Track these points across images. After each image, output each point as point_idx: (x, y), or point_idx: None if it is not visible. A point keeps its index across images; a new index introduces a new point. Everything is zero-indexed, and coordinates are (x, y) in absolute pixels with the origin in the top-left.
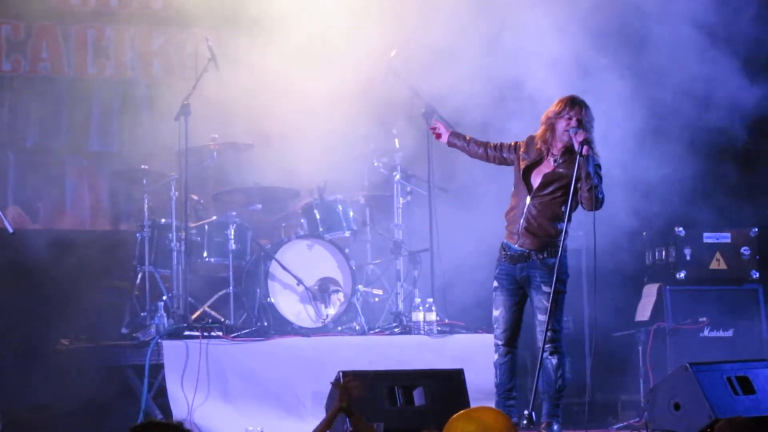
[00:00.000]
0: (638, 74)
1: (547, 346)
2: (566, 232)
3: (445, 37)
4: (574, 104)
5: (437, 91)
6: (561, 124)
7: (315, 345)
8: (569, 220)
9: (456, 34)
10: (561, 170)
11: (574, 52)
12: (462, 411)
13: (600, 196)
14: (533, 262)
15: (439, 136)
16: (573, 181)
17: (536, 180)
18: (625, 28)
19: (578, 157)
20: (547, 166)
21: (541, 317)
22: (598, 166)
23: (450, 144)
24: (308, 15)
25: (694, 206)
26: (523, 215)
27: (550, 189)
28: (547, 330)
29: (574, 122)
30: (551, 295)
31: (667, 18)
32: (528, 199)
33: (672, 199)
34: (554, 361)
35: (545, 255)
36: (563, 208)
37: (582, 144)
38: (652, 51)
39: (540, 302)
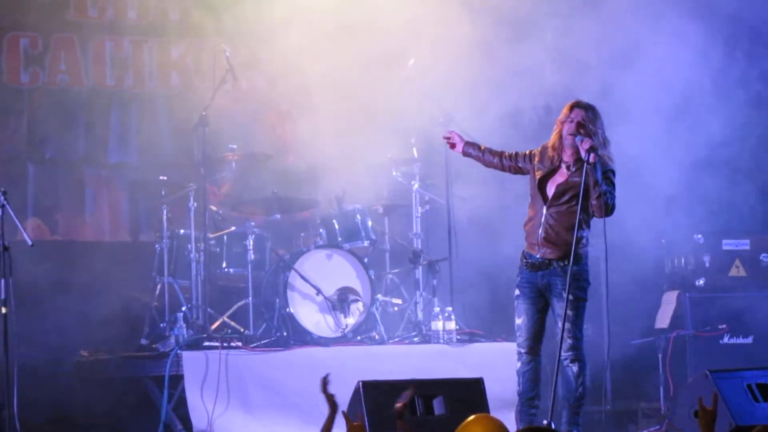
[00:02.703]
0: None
1: (567, 353)
2: (586, 239)
3: (462, 46)
4: (574, 107)
5: (455, 100)
6: (565, 129)
7: (334, 355)
8: (588, 227)
9: (474, 42)
10: (575, 179)
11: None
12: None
13: (610, 203)
14: (554, 270)
15: (453, 146)
16: (581, 190)
17: (551, 189)
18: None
19: (585, 165)
20: (561, 175)
21: (563, 325)
22: (611, 172)
23: (465, 154)
24: (325, 25)
25: (713, 213)
26: (542, 225)
27: (565, 198)
28: (566, 337)
29: (573, 125)
30: (572, 302)
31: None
32: (545, 209)
33: (691, 206)
34: (575, 368)
35: (566, 263)
36: (581, 216)
37: (588, 152)
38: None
39: (561, 309)
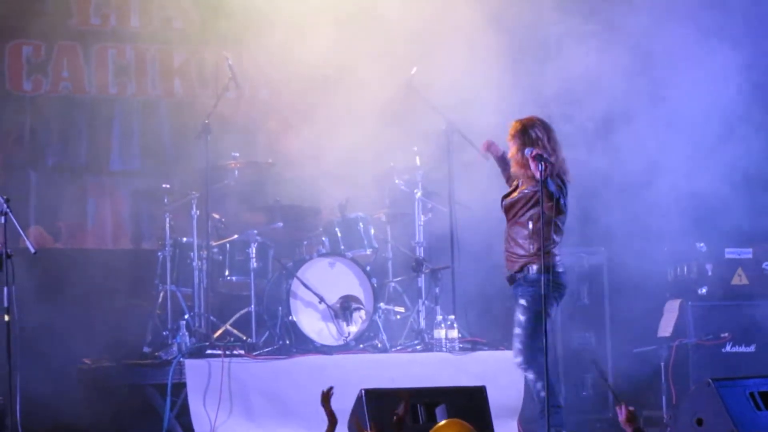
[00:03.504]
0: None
1: (516, 359)
2: (547, 250)
3: (466, 53)
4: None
5: (457, 107)
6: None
7: (337, 363)
8: (547, 238)
9: (476, 50)
10: (518, 194)
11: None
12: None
13: (562, 202)
14: (518, 282)
15: (489, 146)
16: (530, 203)
17: (504, 206)
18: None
19: (539, 181)
20: (514, 191)
21: (515, 330)
22: (558, 178)
23: (495, 157)
24: (328, 34)
25: (715, 222)
26: (505, 240)
27: (512, 212)
28: (514, 341)
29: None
30: (523, 307)
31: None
32: (506, 226)
33: (694, 214)
34: (530, 375)
35: (525, 273)
36: (533, 228)
37: (534, 159)
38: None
39: (516, 316)
